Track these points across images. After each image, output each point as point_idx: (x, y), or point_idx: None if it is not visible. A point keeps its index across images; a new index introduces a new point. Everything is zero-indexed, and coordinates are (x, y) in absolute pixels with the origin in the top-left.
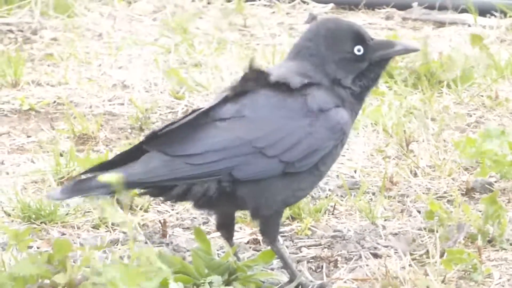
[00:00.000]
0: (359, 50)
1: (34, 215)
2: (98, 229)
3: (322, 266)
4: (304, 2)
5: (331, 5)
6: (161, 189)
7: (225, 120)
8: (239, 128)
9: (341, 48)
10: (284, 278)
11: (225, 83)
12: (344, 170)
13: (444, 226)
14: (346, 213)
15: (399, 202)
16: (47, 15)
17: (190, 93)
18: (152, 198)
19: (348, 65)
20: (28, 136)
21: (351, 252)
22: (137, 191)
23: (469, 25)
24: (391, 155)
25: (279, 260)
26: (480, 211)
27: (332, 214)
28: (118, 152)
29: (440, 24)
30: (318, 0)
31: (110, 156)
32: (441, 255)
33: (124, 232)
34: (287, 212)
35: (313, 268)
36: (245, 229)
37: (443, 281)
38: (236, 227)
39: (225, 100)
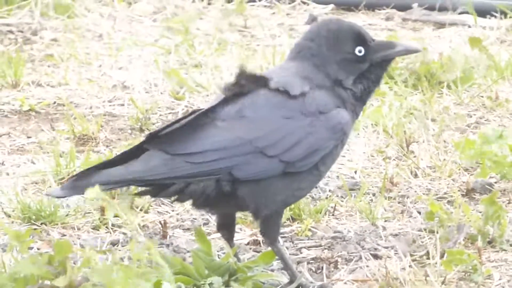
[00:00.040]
0: (360, 51)
1: (34, 216)
2: (98, 230)
3: (322, 267)
4: (304, 3)
5: (331, 6)
6: (161, 187)
7: (226, 120)
8: (240, 127)
9: (342, 49)
10: (284, 279)
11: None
12: (344, 170)
13: (444, 227)
14: (346, 214)
15: (399, 203)
16: (47, 16)
17: (190, 94)
18: (152, 199)
19: (349, 66)
20: (28, 137)
21: (351, 253)
22: (137, 189)
23: (469, 26)
24: (392, 155)
25: (279, 261)
26: (480, 212)
27: (333, 215)
28: (119, 152)
29: (440, 25)
30: (318, 1)
31: (112, 156)
32: (441, 256)
33: (124, 233)
34: (287, 213)
35: (313, 269)
36: (245, 230)
37: (443, 282)
38: (236, 228)
39: (225, 101)
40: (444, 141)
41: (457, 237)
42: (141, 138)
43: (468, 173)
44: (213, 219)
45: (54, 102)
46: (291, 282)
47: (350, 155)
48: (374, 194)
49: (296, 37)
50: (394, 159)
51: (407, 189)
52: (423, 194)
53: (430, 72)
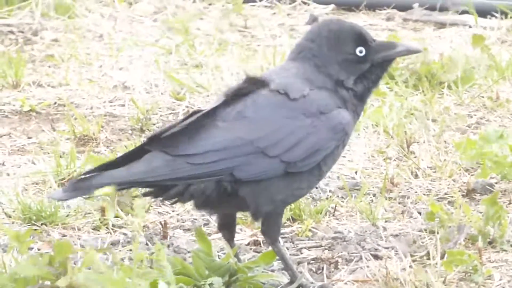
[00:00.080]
0: (361, 52)
1: (34, 216)
2: (98, 230)
3: (322, 268)
4: (305, 3)
5: (332, 6)
6: (162, 188)
7: (227, 121)
8: (241, 128)
9: (343, 49)
10: (285, 279)
11: (226, 84)
12: (345, 171)
13: (444, 227)
14: (346, 215)
15: (399, 203)
16: (48, 16)
17: (191, 94)
18: (153, 200)
19: (350, 66)
20: (29, 137)
21: (352, 253)
22: (138, 191)
23: (470, 26)
24: (392, 156)
25: (279, 261)
26: (480, 213)
27: (333, 215)
28: (119, 153)
29: (441, 25)
30: (318, 1)
31: (113, 158)
32: (442, 257)
33: (124, 234)
34: (287, 213)
35: (314, 269)
36: (246, 231)
37: (443, 283)
38: (237, 228)
39: (226, 101)
40: (445, 141)
41: (457, 238)
42: (142, 138)
43: (469, 174)
44: (213, 219)
45: (55, 103)
46: (291, 282)
47: (351, 156)
48: (374, 195)
49: (297, 37)
50: (394, 160)
51: (407, 189)
52: (424, 194)
53: (430, 73)
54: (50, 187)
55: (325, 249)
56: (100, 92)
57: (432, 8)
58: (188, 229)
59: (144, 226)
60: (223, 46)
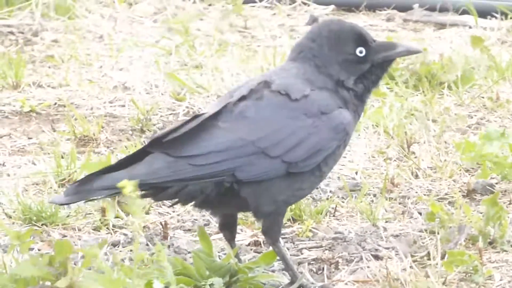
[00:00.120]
0: (361, 52)
1: (35, 217)
2: (99, 231)
3: (323, 268)
4: (305, 4)
5: (332, 6)
6: (163, 190)
7: (228, 121)
8: (242, 128)
9: (343, 49)
10: (285, 280)
11: (226, 85)
12: (345, 171)
13: (445, 227)
14: (347, 215)
15: (400, 203)
16: (48, 17)
17: (191, 95)
18: (153, 201)
19: (350, 66)
20: (29, 138)
21: (352, 254)
22: (139, 193)
23: (470, 27)
24: (392, 156)
25: (280, 262)
26: (481, 213)
27: (333, 215)
28: (120, 154)
29: (441, 25)
30: (319, 2)
31: (112, 158)
32: (442, 257)
33: (125, 234)
34: (288, 213)
35: (314, 270)
36: (246, 231)
37: (444, 283)
38: (237, 229)
39: (228, 103)
40: (445, 142)
41: (458, 238)
42: (142, 139)
43: (469, 174)
44: (214, 220)
45: (55, 103)
46: (292, 282)
47: (351, 156)
48: (375, 195)
49: (297, 38)
50: (395, 160)
51: (408, 190)
52: (424, 195)
53: (430, 73)
54: (51, 187)
55: (326, 249)
56: (100, 92)
57: (432, 9)
58: (189, 230)
59: (144, 227)
60: (223, 46)
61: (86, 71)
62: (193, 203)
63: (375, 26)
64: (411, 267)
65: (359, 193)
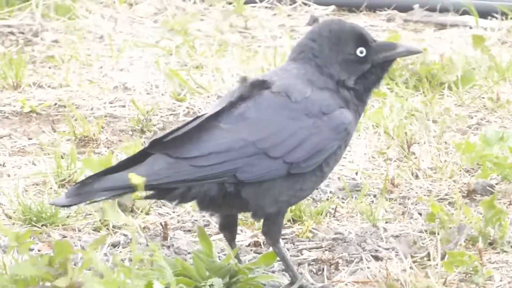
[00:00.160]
0: (361, 52)
1: (35, 217)
2: (99, 231)
3: (323, 269)
4: (305, 4)
5: (332, 7)
6: (165, 191)
7: (229, 122)
8: (243, 129)
9: (344, 49)
10: (285, 280)
11: (226, 85)
12: (345, 172)
13: (445, 228)
14: (347, 216)
15: (400, 204)
16: (48, 17)
17: (191, 95)
18: (153, 201)
19: (351, 66)
20: (29, 138)
21: (352, 254)
22: (140, 194)
23: (470, 27)
24: (393, 157)
25: (280, 262)
26: (481, 213)
27: (333, 216)
28: (120, 155)
29: (441, 26)
30: (319, 2)
31: (112, 158)
32: (442, 258)
33: (125, 235)
34: (288, 214)
35: (314, 270)
36: (246, 232)
37: (444, 284)
38: (238, 229)
39: (228, 104)
40: (445, 142)
41: (458, 239)
42: (143, 140)
43: (469, 175)
44: (214, 220)
45: (55, 104)
46: (292, 283)
47: (351, 157)
48: (375, 196)
49: (297, 38)
50: (395, 161)
51: (408, 190)
52: (424, 195)
53: (431, 73)
54: (51, 188)
55: (326, 250)
56: (100, 93)
57: (432, 9)
58: (189, 230)
59: (144, 228)
60: (224, 47)
61: (87, 72)
62: (193, 203)
63: (375, 26)
64: (411, 267)
65: (359, 194)
